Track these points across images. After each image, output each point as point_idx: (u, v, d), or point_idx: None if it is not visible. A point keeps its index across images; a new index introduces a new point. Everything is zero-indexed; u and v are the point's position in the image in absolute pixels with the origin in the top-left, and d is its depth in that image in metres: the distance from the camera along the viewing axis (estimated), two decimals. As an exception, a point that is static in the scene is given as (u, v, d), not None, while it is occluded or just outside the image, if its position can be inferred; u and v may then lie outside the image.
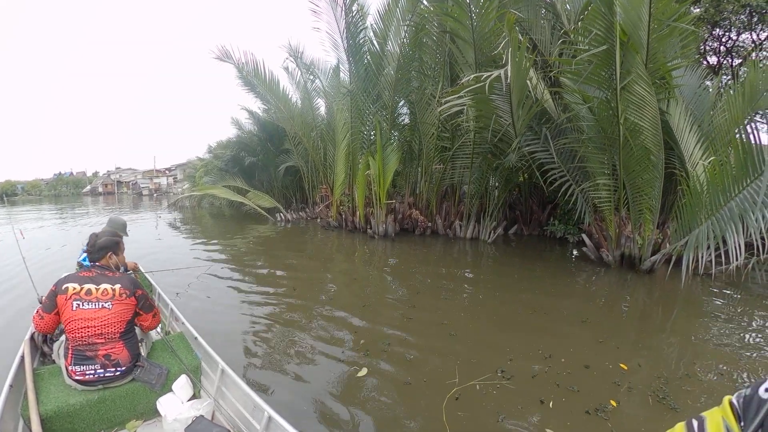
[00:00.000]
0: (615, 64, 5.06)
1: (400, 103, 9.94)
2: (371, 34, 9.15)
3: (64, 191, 76.36)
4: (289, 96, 12.01)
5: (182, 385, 2.33)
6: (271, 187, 15.50)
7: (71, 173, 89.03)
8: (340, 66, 11.07)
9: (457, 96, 5.57)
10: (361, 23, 8.93)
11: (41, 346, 2.87)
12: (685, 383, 2.89)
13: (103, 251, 2.41)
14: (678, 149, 6.08)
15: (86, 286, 2.24)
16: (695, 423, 0.63)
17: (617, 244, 6.35)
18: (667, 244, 5.89)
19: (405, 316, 4.27)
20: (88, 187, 73.30)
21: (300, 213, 13.73)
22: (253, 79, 11.60)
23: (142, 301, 2.36)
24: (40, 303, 2.58)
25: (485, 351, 3.43)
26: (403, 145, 9.65)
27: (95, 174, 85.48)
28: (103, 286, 2.26)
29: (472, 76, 4.91)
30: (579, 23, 7.00)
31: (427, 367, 3.16)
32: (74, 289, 2.22)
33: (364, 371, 3.06)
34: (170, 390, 2.33)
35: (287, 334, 3.87)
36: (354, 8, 8.63)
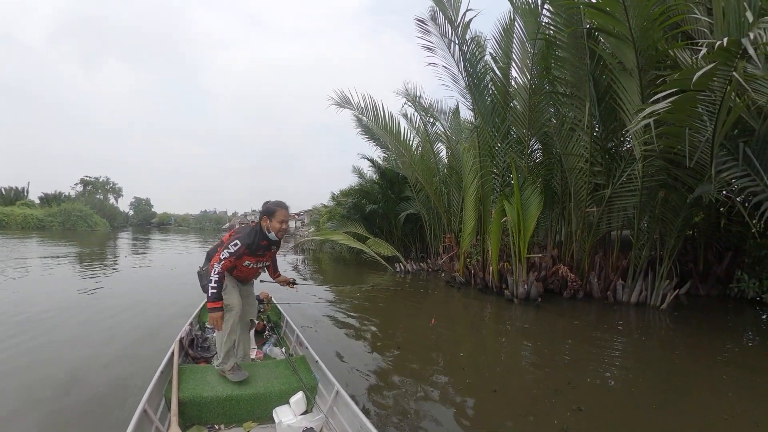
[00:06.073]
0: None
1: (533, 139, 8.67)
2: (492, 63, 8.40)
3: (207, 226, 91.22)
4: (409, 141, 11.44)
5: (298, 400, 2.60)
6: (391, 234, 15.14)
7: (215, 211, 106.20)
8: (462, 103, 10.41)
9: (664, 95, 4.16)
10: (478, 52, 8.25)
11: (187, 347, 3.47)
12: None
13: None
14: None
15: None
16: None
17: None
18: None
19: (541, 411, 3.14)
20: (227, 224, 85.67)
21: (421, 264, 12.76)
22: (373, 125, 11.41)
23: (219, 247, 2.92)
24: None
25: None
26: (540, 185, 8.26)
27: (234, 214, 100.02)
28: None
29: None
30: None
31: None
32: None
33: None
34: (287, 403, 2.63)
35: (396, 394, 3.45)
36: (468, 36, 8.01)
